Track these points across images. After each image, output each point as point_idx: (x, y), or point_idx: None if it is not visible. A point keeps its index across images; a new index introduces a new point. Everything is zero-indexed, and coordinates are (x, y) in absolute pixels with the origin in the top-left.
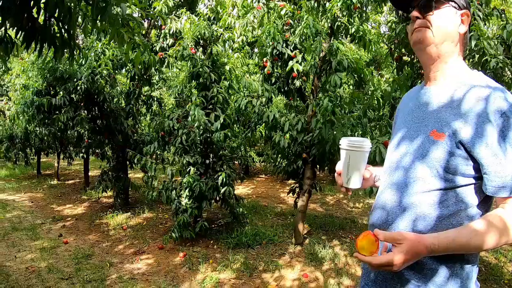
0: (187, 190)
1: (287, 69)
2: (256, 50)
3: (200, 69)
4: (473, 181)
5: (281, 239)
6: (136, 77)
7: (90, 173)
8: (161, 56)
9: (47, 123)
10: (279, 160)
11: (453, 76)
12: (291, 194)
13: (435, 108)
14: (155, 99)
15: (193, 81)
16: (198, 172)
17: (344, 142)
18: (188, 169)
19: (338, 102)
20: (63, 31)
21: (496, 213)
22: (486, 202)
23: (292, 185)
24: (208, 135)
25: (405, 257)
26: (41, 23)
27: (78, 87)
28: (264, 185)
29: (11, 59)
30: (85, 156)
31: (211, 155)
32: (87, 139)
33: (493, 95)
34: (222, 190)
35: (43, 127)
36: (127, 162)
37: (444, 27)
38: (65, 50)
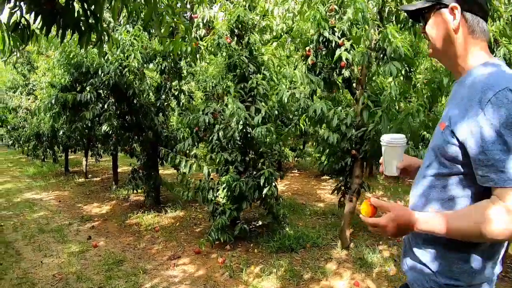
0: (225, 190)
1: (334, 58)
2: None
3: (237, 60)
4: (470, 170)
5: (325, 242)
6: (166, 71)
7: (118, 170)
8: (196, 46)
9: (73, 120)
10: (324, 157)
11: (467, 69)
12: (329, 192)
13: (449, 101)
14: (186, 93)
15: (229, 73)
16: (237, 171)
17: (383, 139)
18: (226, 167)
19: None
20: (88, 13)
21: (479, 203)
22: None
23: (338, 184)
24: (249, 130)
25: (390, 224)
26: (63, 4)
27: (106, 82)
28: (299, 181)
29: (36, 58)
30: (113, 153)
31: (250, 152)
32: (115, 135)
33: (487, 87)
34: (265, 191)
35: (69, 124)
36: (158, 160)
37: (438, 36)
38: (92, 36)
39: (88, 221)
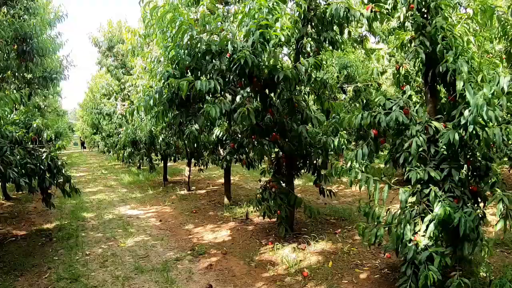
0: (432, 225)
1: None
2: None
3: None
4: None
5: None
6: (306, 54)
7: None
8: (370, 9)
9: (183, 123)
10: None
11: None
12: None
13: None
14: (328, 86)
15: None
16: (451, 195)
17: None
18: (427, 189)
19: None
20: None
21: None
22: None
23: None
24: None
25: None
26: None
27: (242, 61)
28: None
29: (132, 59)
30: (227, 164)
31: (465, 166)
32: (232, 143)
33: None
34: (499, 226)
35: (179, 128)
36: (294, 174)
37: None
38: None
39: (202, 254)
